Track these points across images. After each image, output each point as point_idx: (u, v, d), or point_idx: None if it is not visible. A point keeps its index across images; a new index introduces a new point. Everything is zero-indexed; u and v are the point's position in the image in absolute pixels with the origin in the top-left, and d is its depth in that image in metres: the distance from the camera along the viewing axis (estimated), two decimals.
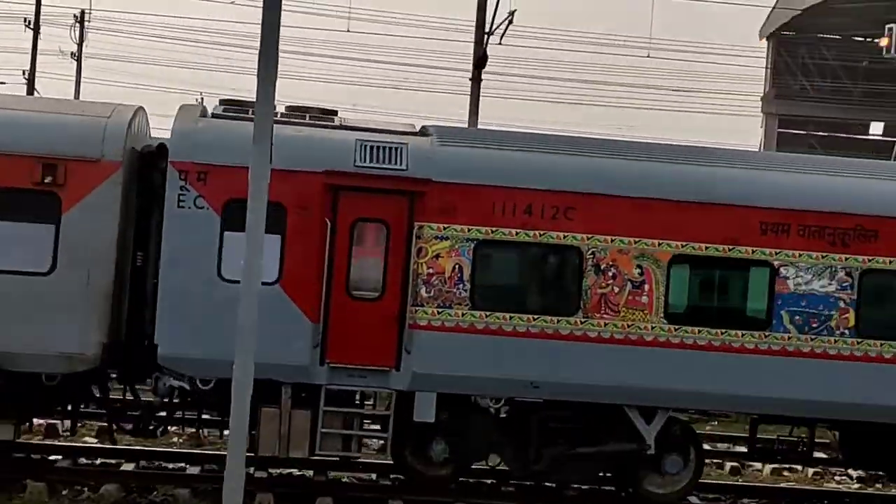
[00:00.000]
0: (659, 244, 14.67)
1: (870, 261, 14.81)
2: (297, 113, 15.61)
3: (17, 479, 14.70)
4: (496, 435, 14.99)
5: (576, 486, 15.93)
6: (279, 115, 15.04)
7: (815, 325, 14.79)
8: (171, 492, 14.79)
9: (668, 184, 14.74)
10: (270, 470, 16.27)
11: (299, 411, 14.48)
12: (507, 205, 14.51)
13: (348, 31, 65.59)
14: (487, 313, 14.51)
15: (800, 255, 14.76)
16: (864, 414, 14.95)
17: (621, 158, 14.94)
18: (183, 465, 16.40)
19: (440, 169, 14.48)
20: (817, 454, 17.61)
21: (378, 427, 15.05)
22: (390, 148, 14.60)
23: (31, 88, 50.37)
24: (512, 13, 25.89)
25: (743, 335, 14.74)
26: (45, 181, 14.07)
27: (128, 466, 15.86)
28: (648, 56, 75.58)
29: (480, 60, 25.02)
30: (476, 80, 24.84)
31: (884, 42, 52.87)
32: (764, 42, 75.13)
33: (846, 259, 14.81)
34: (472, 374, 14.51)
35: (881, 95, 71.28)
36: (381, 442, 15.46)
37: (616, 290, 14.64)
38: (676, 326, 14.67)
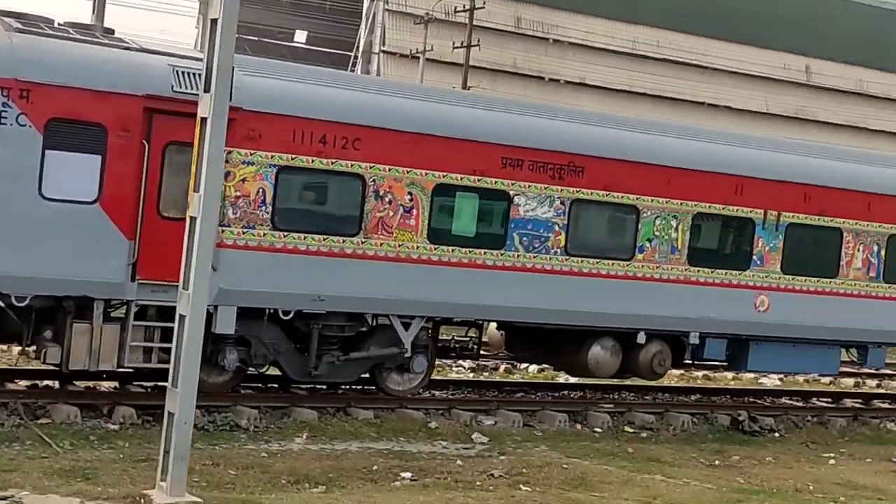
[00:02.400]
0: (425, 174, 16.67)
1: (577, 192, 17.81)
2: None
3: None
4: (283, 344, 16.36)
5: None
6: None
7: (537, 245, 17.58)
8: None
9: (435, 122, 16.72)
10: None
11: (110, 326, 14.99)
12: (306, 135, 15.81)
13: None
14: (285, 234, 15.81)
15: (529, 186, 17.43)
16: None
17: (399, 97, 16.70)
18: None
19: (248, 98, 15.44)
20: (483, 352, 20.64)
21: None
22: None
23: None
24: None
25: (485, 253, 17.19)
26: None
27: None
28: None
29: None
30: None
31: None
32: None
33: (562, 190, 17.69)
34: (270, 291, 15.77)
35: (306, 6, 75.59)
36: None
37: (391, 213, 16.49)
38: (436, 246, 16.81)
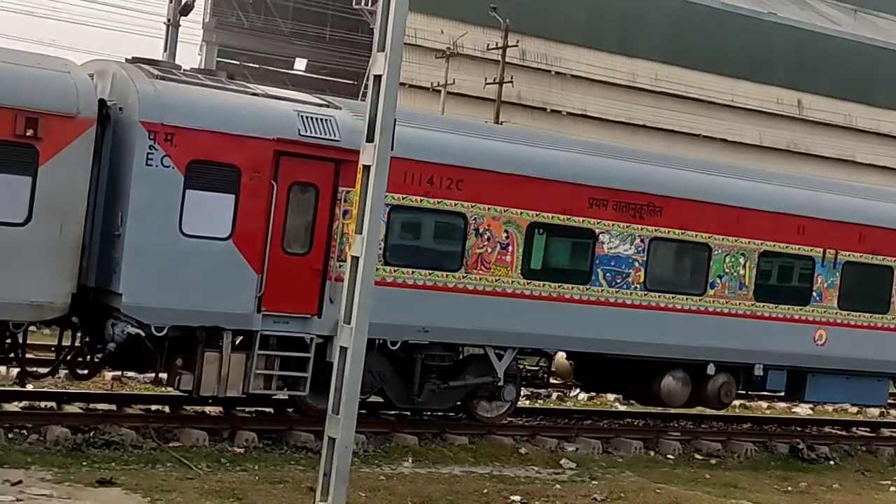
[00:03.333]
0: (520, 213, 17.73)
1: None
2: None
3: None
4: (389, 373, 17.36)
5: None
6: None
7: (619, 281, 18.66)
8: (117, 432, 15.55)
9: (529, 164, 17.80)
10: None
11: (237, 354, 15.95)
12: (415, 176, 16.85)
13: None
14: (395, 269, 16.83)
15: (612, 225, 18.52)
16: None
17: (499, 141, 17.79)
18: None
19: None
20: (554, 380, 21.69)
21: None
22: (323, 119, 16.33)
23: None
24: None
25: (572, 288, 18.25)
26: (27, 134, 14.30)
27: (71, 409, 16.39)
28: None
29: (185, 8, 25.84)
30: (175, 25, 25.54)
31: None
32: None
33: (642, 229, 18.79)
34: (381, 322, 16.72)
35: (306, 35, 76.82)
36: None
37: (489, 250, 17.54)
38: (528, 281, 17.86)
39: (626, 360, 19.29)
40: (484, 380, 18.06)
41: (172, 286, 15.33)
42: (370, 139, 12.76)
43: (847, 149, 73.56)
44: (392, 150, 12.80)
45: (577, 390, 24.39)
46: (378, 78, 12.78)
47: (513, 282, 17.75)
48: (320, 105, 16.80)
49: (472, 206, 17.33)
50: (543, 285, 18.01)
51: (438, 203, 17.06)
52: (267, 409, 18.40)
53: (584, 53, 63.80)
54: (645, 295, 18.87)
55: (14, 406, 16.59)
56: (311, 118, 16.27)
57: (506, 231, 17.66)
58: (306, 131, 16.12)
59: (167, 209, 15.26)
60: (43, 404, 17.04)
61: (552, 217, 18.03)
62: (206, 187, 15.46)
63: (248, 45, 77.43)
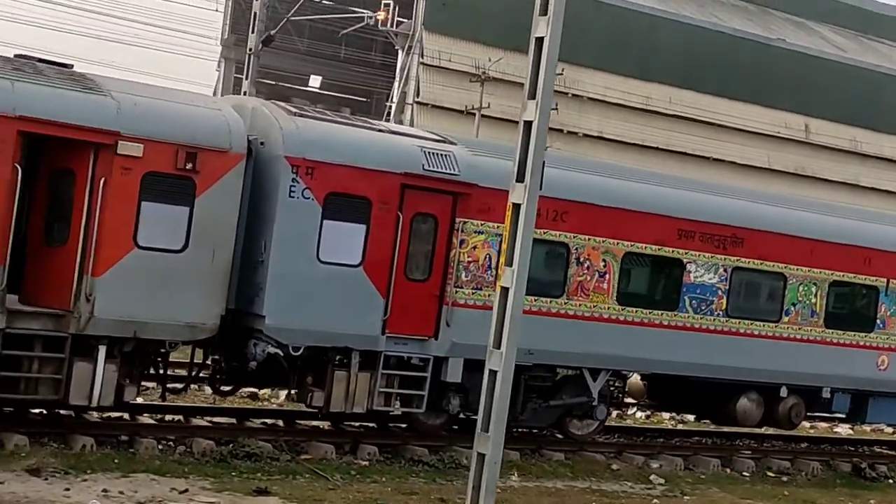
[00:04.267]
0: (617, 243, 18.93)
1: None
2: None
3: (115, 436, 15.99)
4: None
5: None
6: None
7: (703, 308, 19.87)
8: (256, 445, 16.65)
9: (625, 197, 19.00)
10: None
11: (363, 374, 17.08)
12: None
13: None
14: None
15: (699, 255, 19.73)
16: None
17: (599, 176, 18.98)
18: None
19: (483, 176, 17.63)
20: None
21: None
22: (443, 154, 17.50)
23: None
24: None
25: (662, 314, 19.45)
26: (186, 168, 15.43)
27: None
28: None
29: (267, 39, 26.90)
30: (256, 55, 26.59)
31: (381, 16, 58.67)
32: None
33: (725, 259, 20.01)
34: None
35: (321, 54, 78.13)
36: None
37: (588, 278, 18.73)
38: (623, 307, 19.05)
39: (702, 382, 20.47)
40: (580, 399, 19.21)
41: (309, 309, 16.47)
42: (520, 179, 13.92)
43: (852, 173, 75.09)
44: (540, 189, 13.97)
45: (635, 409, 25.55)
46: (528, 123, 13.95)
47: (609, 308, 18.93)
48: (438, 141, 17.97)
49: (574, 237, 18.51)
50: (636, 311, 19.21)
51: (544, 234, 18.21)
52: (369, 424, 19.50)
53: (601, 77, 65.12)
54: (727, 321, 20.07)
55: (148, 418, 17.66)
56: (433, 153, 17.44)
57: (604, 260, 18.84)
58: (429, 166, 17.29)
59: (306, 238, 16.40)
60: (172, 417, 18.11)
61: (645, 247, 19.23)
62: (341, 218, 16.62)
63: (265, 61, 78.49)
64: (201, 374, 17.73)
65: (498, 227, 17.84)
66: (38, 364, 14.94)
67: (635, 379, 22.04)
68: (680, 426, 24.70)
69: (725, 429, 22.72)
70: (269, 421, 18.88)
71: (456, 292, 17.58)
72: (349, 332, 16.83)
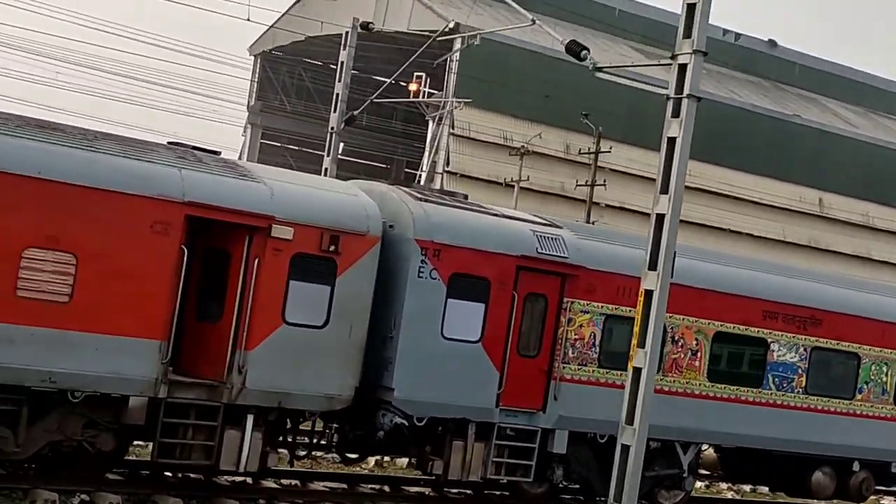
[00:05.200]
0: (708, 323, 20.07)
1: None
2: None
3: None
4: (595, 463, 19.54)
5: None
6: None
7: (785, 385, 20.98)
8: None
9: (716, 280, 20.16)
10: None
11: (479, 444, 18.13)
12: (625, 289, 19.17)
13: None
14: (607, 371, 19.10)
15: (781, 335, 20.87)
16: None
17: (693, 259, 20.17)
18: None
19: (589, 258, 18.80)
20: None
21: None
22: (553, 238, 18.68)
23: None
24: None
25: (748, 391, 20.55)
26: (329, 249, 16.57)
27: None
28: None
29: (350, 119, 28.18)
30: (339, 133, 27.79)
31: (413, 87, 60.10)
32: (250, 57, 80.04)
33: (805, 339, 21.15)
34: (593, 418, 18.98)
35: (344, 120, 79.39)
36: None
37: (682, 355, 19.85)
38: (713, 384, 20.16)
39: (777, 455, 21.52)
40: (672, 471, 20.27)
41: (433, 383, 17.56)
42: (652, 268, 15.09)
43: (864, 246, 76.51)
44: (672, 277, 15.13)
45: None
46: (661, 217, 15.13)
47: (700, 384, 20.04)
48: (547, 225, 19.15)
49: (670, 317, 19.57)
50: (725, 387, 20.32)
51: None
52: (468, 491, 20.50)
53: (625, 149, 66.55)
54: (806, 398, 21.19)
55: (273, 483, 18.67)
56: (545, 237, 18.61)
57: (696, 339, 19.97)
58: (542, 249, 18.46)
59: (432, 315, 17.52)
60: (287, 481, 19.11)
61: (733, 327, 20.37)
62: (463, 297, 17.74)
63: (289, 127, 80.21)
64: (321, 442, 18.71)
65: (601, 306, 19.05)
66: (192, 431, 15.98)
67: (709, 451, 23.11)
68: (737, 497, 25.66)
69: (798, 500, 23.70)
70: (376, 486, 19.87)
71: (563, 368, 18.67)
72: (468, 404, 17.91)
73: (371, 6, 67.97)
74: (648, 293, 15.08)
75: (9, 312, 14.42)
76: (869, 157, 77.28)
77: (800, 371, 21.09)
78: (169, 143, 17.15)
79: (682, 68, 14.93)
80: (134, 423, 15.53)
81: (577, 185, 53.15)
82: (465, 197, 19.64)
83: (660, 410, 19.51)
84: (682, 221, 59.35)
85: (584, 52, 16.29)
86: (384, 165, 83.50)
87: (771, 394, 20.79)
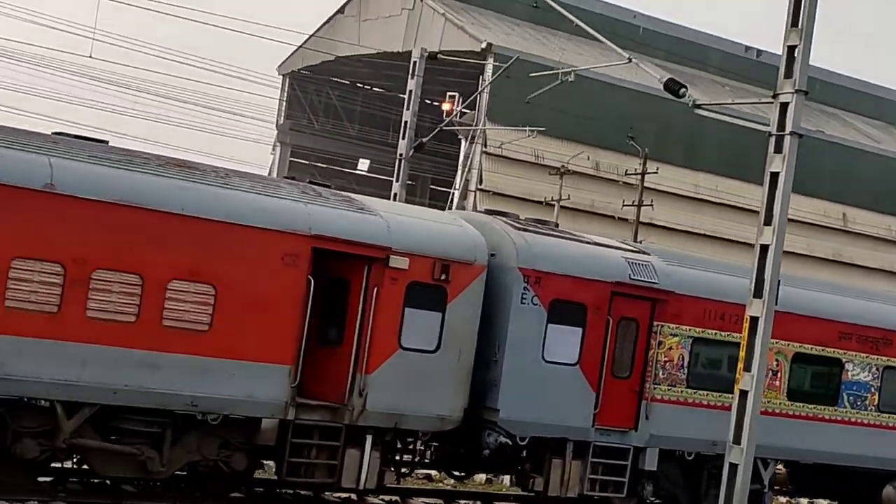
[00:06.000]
0: (788, 344, 20.94)
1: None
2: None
3: None
4: (682, 480, 20.40)
5: None
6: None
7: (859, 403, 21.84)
8: None
9: (796, 303, 21.03)
10: None
11: (577, 461, 19.00)
12: (711, 312, 20.05)
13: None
14: (695, 391, 19.97)
15: (855, 355, 21.73)
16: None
17: None
18: None
19: (677, 284, 19.69)
20: None
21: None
22: (644, 265, 19.57)
23: None
24: None
25: (824, 409, 21.42)
26: (440, 278, 17.47)
27: None
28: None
29: (419, 146, 29.11)
30: (406, 160, 28.74)
31: (446, 106, 60.99)
32: (278, 76, 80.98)
33: (877, 359, 22.01)
34: (682, 436, 19.85)
35: (370, 138, 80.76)
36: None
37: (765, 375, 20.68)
38: (792, 402, 21.03)
39: (848, 470, 22.37)
40: (753, 487, 21.04)
41: (535, 404, 18.43)
42: (758, 295, 15.96)
43: (888, 260, 77.32)
44: (776, 304, 16.00)
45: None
46: (765, 247, 15.99)
47: (780, 403, 20.90)
48: (637, 252, 20.04)
49: None
50: (803, 406, 21.19)
51: (728, 336, 20.22)
52: None
53: (652, 166, 67.43)
54: (878, 416, 22.04)
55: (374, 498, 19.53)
56: (636, 264, 19.50)
57: (777, 360, 20.83)
58: (634, 275, 19.35)
59: (534, 339, 18.40)
60: (388, 497, 19.97)
61: (811, 348, 21.25)
62: (562, 321, 18.63)
63: (317, 145, 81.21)
64: (424, 460, 19.56)
65: (689, 329, 19.93)
66: (315, 451, 16.87)
67: (779, 467, 23.95)
68: None
69: None
70: (470, 501, 20.74)
71: (654, 389, 19.55)
72: (566, 424, 18.79)
73: (401, 27, 69.00)
74: (754, 320, 15.95)
75: (156, 341, 15.31)
76: (892, 171, 78.08)
77: (872, 389, 21.95)
78: (284, 177, 18.01)
79: (784, 107, 15.81)
80: (265, 444, 16.42)
81: (623, 205, 54.05)
82: (556, 225, 20.54)
83: None
84: (708, 237, 59.99)
85: (682, 90, 17.17)
86: (410, 182, 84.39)
87: (846, 411, 21.65)
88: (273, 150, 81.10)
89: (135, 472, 15.70)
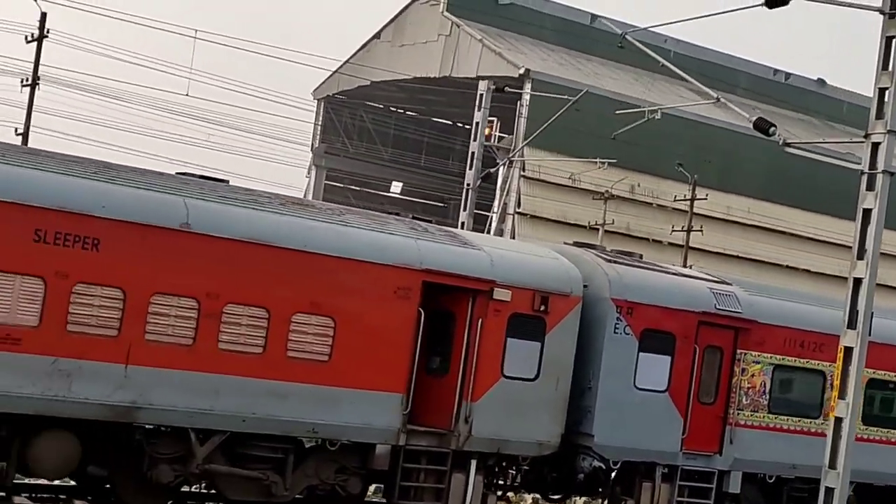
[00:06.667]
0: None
1: None
2: None
3: None
4: (763, 501, 21.12)
5: None
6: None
7: None
8: None
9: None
10: None
11: (665, 485, 19.75)
12: (791, 340, 20.80)
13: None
14: (776, 416, 20.70)
15: None
16: None
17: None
18: None
19: (760, 314, 20.44)
20: None
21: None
22: (728, 295, 20.34)
23: None
24: None
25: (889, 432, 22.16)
26: (540, 309, 18.26)
27: None
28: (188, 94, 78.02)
29: (486, 176, 29.93)
30: (475, 189, 29.56)
31: (487, 131, 61.84)
32: (313, 100, 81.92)
33: None
34: (763, 460, 20.57)
35: (403, 161, 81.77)
36: None
37: None
38: (866, 427, 21.75)
39: None
40: None
41: (627, 429, 19.20)
42: (851, 326, 16.69)
43: None
44: (869, 335, 16.74)
45: None
46: (858, 280, 16.73)
47: (857, 427, 21.59)
48: (719, 282, 20.82)
49: (829, 365, 21.18)
50: (876, 430, 21.91)
51: (806, 363, 20.97)
52: None
53: (686, 188, 68.15)
54: None
55: None
56: (720, 294, 20.27)
57: None
58: (720, 305, 20.12)
59: (626, 367, 19.18)
60: None
61: (884, 374, 21.98)
62: (652, 350, 19.40)
63: (352, 168, 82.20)
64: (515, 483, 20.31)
65: (771, 357, 20.67)
66: (424, 475, 17.64)
67: None
68: None
69: None
70: None
71: (737, 414, 20.30)
72: (657, 448, 19.55)
73: (438, 53, 69.88)
74: (848, 350, 16.68)
75: (281, 371, 16.12)
76: None
77: None
78: (390, 213, 18.86)
79: (875, 146, 16.57)
80: (379, 469, 17.20)
81: (672, 230, 54.87)
82: (641, 256, 21.31)
83: (822, 452, 21.15)
84: (740, 258, 60.58)
85: (772, 128, 17.95)
86: (441, 205, 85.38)
87: None
88: (308, 173, 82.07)
89: (260, 496, 16.48)
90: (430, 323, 17.92)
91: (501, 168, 66.69)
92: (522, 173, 63.77)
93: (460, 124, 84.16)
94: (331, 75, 77.77)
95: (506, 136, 65.56)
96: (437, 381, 17.93)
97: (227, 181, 17.35)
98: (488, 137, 64.90)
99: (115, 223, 15.02)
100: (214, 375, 15.69)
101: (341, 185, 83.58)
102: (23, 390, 14.50)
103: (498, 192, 65.65)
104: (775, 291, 22.19)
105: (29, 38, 37.56)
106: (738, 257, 68.60)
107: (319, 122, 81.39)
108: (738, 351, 20.38)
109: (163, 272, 15.34)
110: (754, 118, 18.23)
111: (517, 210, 63.50)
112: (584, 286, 19.23)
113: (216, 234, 15.74)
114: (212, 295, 15.65)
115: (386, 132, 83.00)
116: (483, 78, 67.69)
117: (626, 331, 19.20)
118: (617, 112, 30.88)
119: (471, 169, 30.94)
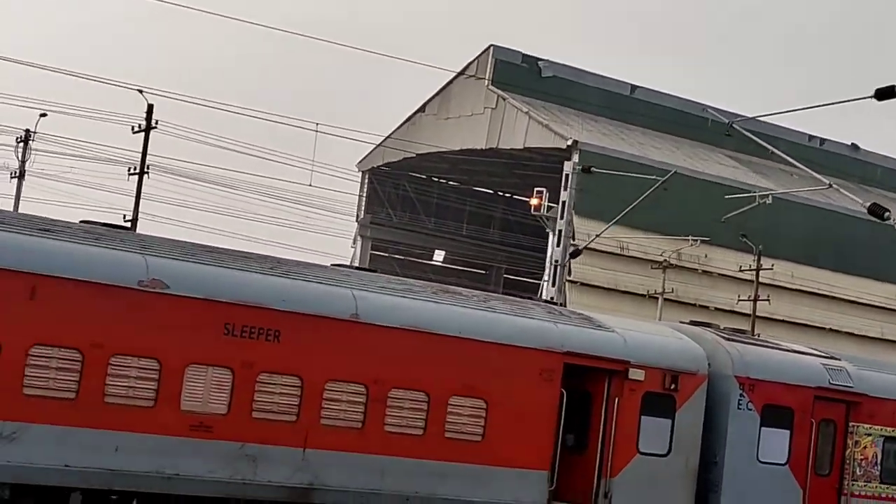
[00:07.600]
0: None
1: None
2: None
3: None
4: None
5: None
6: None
7: None
8: None
9: None
10: None
11: None
12: None
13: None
14: (888, 486, 21.51)
15: None
16: None
17: None
18: None
19: (870, 388, 21.33)
20: None
21: None
22: (839, 370, 21.23)
23: None
24: None
25: None
26: (670, 388, 19.17)
27: None
28: None
29: (575, 252, 30.95)
30: (563, 265, 30.60)
31: (534, 202, 62.89)
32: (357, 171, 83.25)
33: None
34: None
35: (445, 231, 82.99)
36: None
37: None
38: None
39: None
40: None
41: (752, 502, 20.01)
42: None
43: None
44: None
45: None
46: None
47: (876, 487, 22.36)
48: (829, 357, 21.73)
49: None
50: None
51: None
52: None
53: (732, 255, 69.03)
54: None
55: None
56: (833, 369, 21.18)
57: None
58: (833, 380, 21.02)
59: (750, 442, 20.05)
60: None
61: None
62: (773, 424, 20.28)
63: (395, 238, 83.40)
64: None
65: (881, 429, 21.50)
66: None
67: None
68: None
69: None
70: None
71: (852, 485, 21.11)
72: None
73: (484, 125, 71.17)
74: None
75: (441, 451, 17.04)
76: None
77: None
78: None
79: None
80: None
81: (739, 300, 55.87)
82: (758, 335, 22.22)
83: None
84: (785, 322, 61.39)
85: (886, 213, 18.94)
86: (482, 272, 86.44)
87: None
88: (353, 243, 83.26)
89: None
90: (569, 402, 18.86)
91: (551, 237, 67.91)
92: (572, 242, 64.77)
93: (501, 192, 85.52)
94: (375, 148, 79.13)
95: (554, 205, 66.78)
96: (577, 459, 18.80)
97: (377, 270, 18.35)
98: (538, 208, 66.28)
99: (293, 315, 16.03)
100: (382, 457, 16.60)
101: (386, 255, 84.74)
102: (214, 475, 15.43)
103: (548, 261, 66.64)
104: (882, 365, 23.09)
105: (136, 129, 39.12)
106: (782, 321, 69.38)
107: (364, 194, 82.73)
108: (851, 423, 21.25)
109: (335, 360, 16.32)
110: (868, 204, 19.22)
111: (567, 278, 64.42)
112: (708, 364, 20.15)
113: (380, 324, 16.73)
114: (378, 381, 16.60)
115: (428, 201, 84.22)
116: (531, 150, 69.20)
117: (748, 406, 20.08)
118: (726, 197, 31.84)
119: (558, 246, 31.94)
